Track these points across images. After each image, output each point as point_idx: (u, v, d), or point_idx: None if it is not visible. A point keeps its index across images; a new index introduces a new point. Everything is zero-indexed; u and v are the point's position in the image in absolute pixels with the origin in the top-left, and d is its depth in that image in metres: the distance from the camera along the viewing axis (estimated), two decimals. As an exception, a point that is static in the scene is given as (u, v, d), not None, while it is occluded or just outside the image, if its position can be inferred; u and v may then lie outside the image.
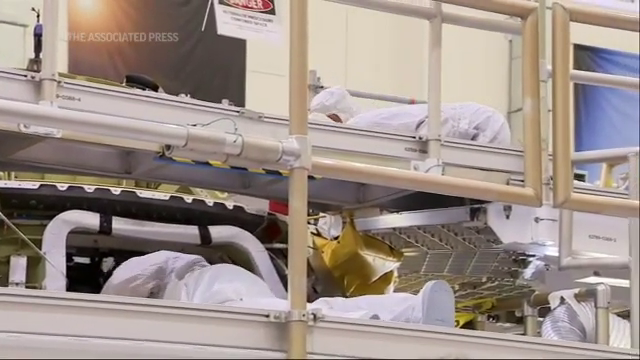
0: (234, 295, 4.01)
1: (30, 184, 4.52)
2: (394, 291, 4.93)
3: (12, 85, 3.55)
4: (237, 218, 4.78)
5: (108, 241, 4.65)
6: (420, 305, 3.65)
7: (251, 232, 4.75)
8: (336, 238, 5.30)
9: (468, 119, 4.55)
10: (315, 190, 3.75)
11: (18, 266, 4.32)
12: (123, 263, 4.54)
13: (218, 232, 4.69)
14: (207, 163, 3.90)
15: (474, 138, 4.55)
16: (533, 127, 3.70)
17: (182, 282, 4.31)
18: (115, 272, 4.51)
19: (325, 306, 3.53)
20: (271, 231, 4.85)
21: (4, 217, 4.24)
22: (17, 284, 4.26)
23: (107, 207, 4.53)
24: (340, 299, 4.00)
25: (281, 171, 3.64)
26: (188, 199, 4.76)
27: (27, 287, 4.22)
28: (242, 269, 4.45)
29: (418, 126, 4.40)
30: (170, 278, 4.39)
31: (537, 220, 4.19)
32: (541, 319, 4.60)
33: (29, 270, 4.34)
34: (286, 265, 4.31)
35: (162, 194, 4.74)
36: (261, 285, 4.32)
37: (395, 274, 5.09)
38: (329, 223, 5.53)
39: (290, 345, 2.99)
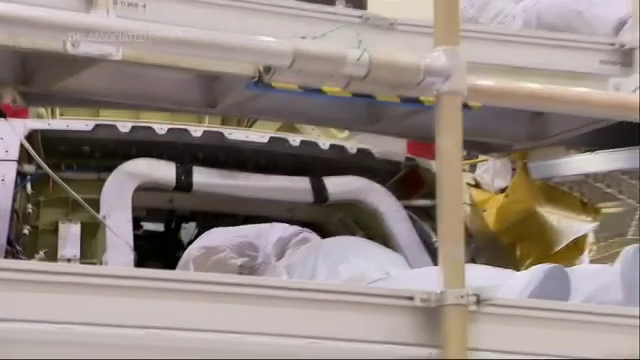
0: (377, 273, 4.01)
1: (82, 124, 4.64)
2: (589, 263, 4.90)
3: (55, -10, 3.63)
4: (362, 166, 4.82)
5: (188, 200, 4.76)
6: (619, 282, 3.60)
7: (383, 184, 4.79)
8: (503, 190, 5.28)
9: None
10: (472, 124, 3.73)
11: (70, 235, 4.46)
12: (205, 233, 4.63)
13: (337, 185, 4.75)
14: (320, 90, 3.94)
15: None
16: None
17: (281, 264, 4.36)
18: (193, 243, 4.60)
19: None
20: (411, 182, 4.88)
21: (49, 170, 4.36)
22: (69, 260, 4.40)
23: (185, 154, 4.62)
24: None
25: (423, 98, 3.65)
26: (294, 141, 4.82)
27: (82, 263, 4.36)
28: (365, 240, 4.48)
29: (619, 28, 4.31)
30: (266, 258, 4.44)
31: None
32: None
33: (84, 241, 4.47)
34: (433, 229, 4.32)
35: (259, 135, 4.82)
36: (399, 260, 4.34)
37: (590, 239, 5.06)
38: (492, 170, 5.51)
39: (445, 338, 2.99)
